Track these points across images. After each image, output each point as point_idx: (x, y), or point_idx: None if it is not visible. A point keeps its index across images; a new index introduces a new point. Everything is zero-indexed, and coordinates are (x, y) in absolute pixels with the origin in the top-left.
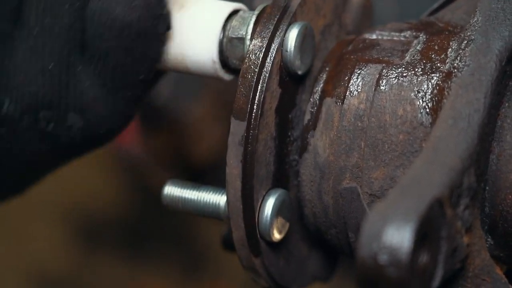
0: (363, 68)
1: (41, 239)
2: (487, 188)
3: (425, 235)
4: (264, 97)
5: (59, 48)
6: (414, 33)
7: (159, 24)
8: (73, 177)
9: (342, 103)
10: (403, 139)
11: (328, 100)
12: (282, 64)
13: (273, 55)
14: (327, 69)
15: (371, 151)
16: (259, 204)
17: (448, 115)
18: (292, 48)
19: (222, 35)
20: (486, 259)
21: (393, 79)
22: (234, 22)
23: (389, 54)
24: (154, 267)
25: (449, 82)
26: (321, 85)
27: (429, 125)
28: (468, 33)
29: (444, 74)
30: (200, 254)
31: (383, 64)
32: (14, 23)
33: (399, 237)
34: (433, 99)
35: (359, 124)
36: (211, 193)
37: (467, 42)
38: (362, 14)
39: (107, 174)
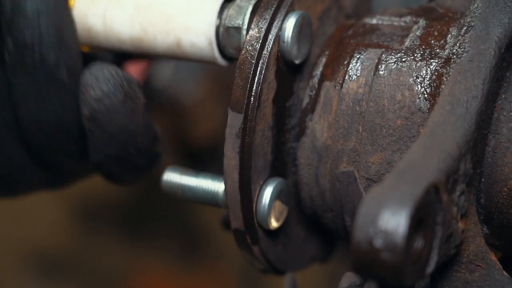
0: (362, 53)
1: (41, 220)
2: (482, 180)
3: (420, 220)
4: (261, 89)
5: None
6: (414, 19)
7: None
8: None
9: (341, 87)
10: (401, 124)
11: (327, 84)
12: (279, 54)
13: (270, 46)
14: (326, 53)
15: (369, 135)
16: (256, 194)
17: (446, 101)
18: (289, 39)
19: (218, 22)
20: (480, 245)
21: (392, 64)
22: (231, 11)
23: (389, 39)
24: (153, 249)
25: (448, 68)
26: (320, 69)
27: (427, 111)
28: (468, 20)
29: (443, 60)
30: (200, 236)
31: (383, 49)
32: None
33: (394, 221)
34: (432, 84)
35: (358, 109)
36: (209, 180)
37: (467, 28)
38: None
39: None
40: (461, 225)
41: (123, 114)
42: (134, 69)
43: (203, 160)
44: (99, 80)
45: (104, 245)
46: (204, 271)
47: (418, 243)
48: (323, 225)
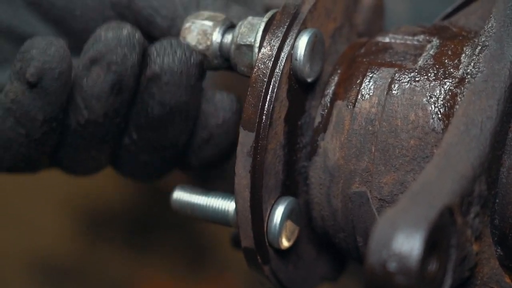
0: (375, 72)
1: (47, 230)
2: (497, 201)
3: (434, 243)
4: (273, 107)
5: None
6: (427, 37)
7: None
8: None
9: (354, 106)
10: (414, 145)
11: (339, 103)
12: (291, 72)
13: (283, 64)
14: (338, 71)
15: (382, 155)
16: (267, 213)
17: (460, 121)
18: (302, 57)
19: (230, 39)
20: (495, 267)
21: (406, 83)
22: (243, 28)
23: (402, 58)
24: (159, 260)
25: (462, 88)
26: (332, 87)
27: (441, 131)
28: (482, 39)
29: (457, 80)
30: (206, 246)
31: (396, 68)
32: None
33: (408, 245)
34: (446, 104)
35: (370, 128)
36: (219, 199)
37: (481, 48)
38: (373, 14)
39: None
40: (475, 247)
41: (234, 132)
42: None
43: (210, 175)
44: (218, 109)
45: (109, 254)
46: (209, 281)
47: (432, 266)
48: (335, 245)
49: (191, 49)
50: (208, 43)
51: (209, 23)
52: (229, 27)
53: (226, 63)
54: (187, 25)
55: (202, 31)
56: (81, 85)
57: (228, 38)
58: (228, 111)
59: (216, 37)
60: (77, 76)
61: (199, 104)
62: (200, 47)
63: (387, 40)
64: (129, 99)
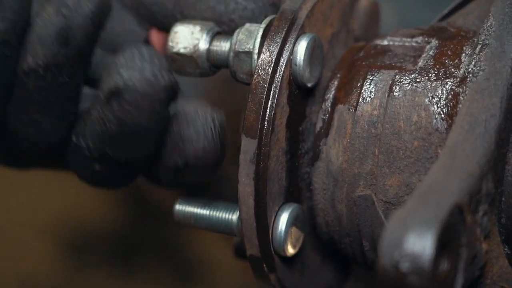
0: (375, 75)
1: (31, 253)
2: (503, 199)
3: (445, 243)
4: (274, 113)
5: None
6: (426, 39)
7: None
8: (64, 190)
9: (355, 110)
10: (418, 146)
11: (340, 107)
12: (291, 78)
13: (282, 69)
14: (338, 76)
15: (386, 158)
16: (272, 220)
17: (464, 120)
18: (301, 62)
19: (229, 47)
20: (504, 266)
21: (407, 85)
22: (241, 35)
23: (402, 60)
24: (146, 281)
25: (464, 87)
26: (333, 92)
27: (445, 131)
28: (482, 38)
29: (458, 79)
30: (193, 268)
31: (396, 70)
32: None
33: (420, 244)
34: (448, 104)
35: (373, 131)
36: (223, 209)
37: (482, 46)
38: (369, 19)
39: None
40: (484, 246)
41: (214, 163)
42: (157, 38)
43: (205, 188)
44: (199, 136)
45: (95, 278)
46: None
47: (444, 265)
48: (340, 251)
49: (164, 66)
50: (195, 47)
51: (197, 28)
52: (216, 33)
53: (214, 69)
54: (175, 29)
55: (190, 35)
56: (33, 24)
57: (216, 44)
58: (211, 140)
59: (204, 42)
60: (34, 15)
61: (165, 131)
62: (188, 51)
63: (385, 43)
64: (76, 61)
